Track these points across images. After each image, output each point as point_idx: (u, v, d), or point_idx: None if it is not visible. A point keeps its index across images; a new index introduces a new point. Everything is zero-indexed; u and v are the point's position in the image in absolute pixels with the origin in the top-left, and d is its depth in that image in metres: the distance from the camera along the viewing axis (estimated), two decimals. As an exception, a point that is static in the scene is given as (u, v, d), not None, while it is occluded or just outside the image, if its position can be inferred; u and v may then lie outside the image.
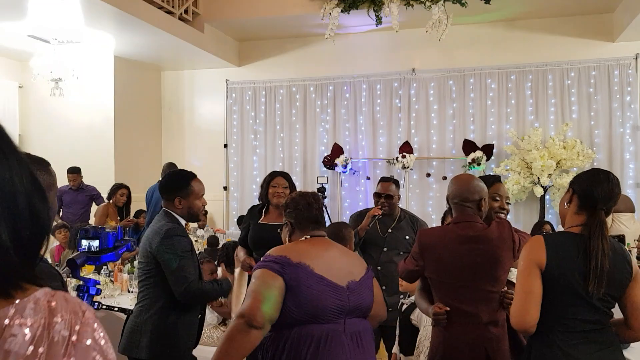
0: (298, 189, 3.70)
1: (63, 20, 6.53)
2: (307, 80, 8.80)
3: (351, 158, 8.50)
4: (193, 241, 4.45)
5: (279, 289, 2.17)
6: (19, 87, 8.48)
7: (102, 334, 0.88)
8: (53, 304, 0.85)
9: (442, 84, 8.35)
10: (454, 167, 8.19)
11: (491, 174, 7.67)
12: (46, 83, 7.16)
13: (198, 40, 7.93)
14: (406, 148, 8.19)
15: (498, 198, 2.99)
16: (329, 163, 8.51)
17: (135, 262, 4.66)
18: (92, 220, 7.46)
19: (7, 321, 0.82)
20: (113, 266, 5.16)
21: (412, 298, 3.38)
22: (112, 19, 6.76)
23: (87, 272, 4.73)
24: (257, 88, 9.03)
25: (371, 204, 4.50)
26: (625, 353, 2.84)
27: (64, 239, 6.23)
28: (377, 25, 7.44)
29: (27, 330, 0.81)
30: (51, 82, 7.07)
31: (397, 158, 8.14)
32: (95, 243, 2.37)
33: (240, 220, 6.95)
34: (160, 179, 6.77)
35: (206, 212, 8.23)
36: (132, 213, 7.37)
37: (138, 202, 7.44)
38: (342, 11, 7.29)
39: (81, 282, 2.35)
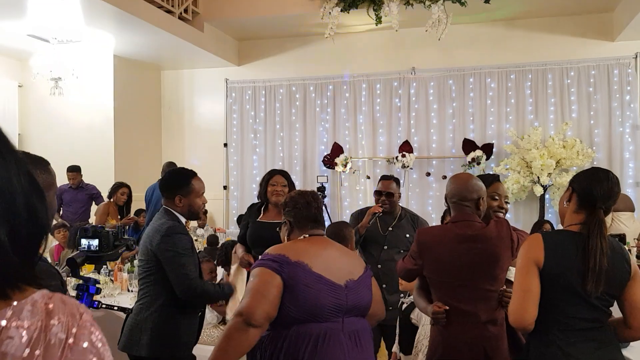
0: (297, 188, 3.71)
1: (63, 20, 6.53)
2: (306, 79, 8.80)
3: (351, 157, 8.51)
4: (193, 240, 4.45)
5: (277, 287, 2.18)
6: (19, 86, 8.48)
7: (99, 337, 0.87)
8: (50, 306, 0.85)
9: (441, 83, 8.35)
10: (453, 167, 8.19)
11: (490, 173, 7.70)
12: (46, 82, 7.16)
13: (198, 39, 7.93)
14: (406, 147, 8.19)
15: (497, 197, 3.00)
16: (329, 162, 8.52)
17: (135, 261, 4.67)
18: (92, 219, 7.46)
19: (4, 323, 0.81)
20: (113, 265, 5.16)
21: (412, 297, 3.38)
22: (112, 19, 6.76)
23: (87, 271, 4.73)
24: (256, 87, 9.03)
25: (371, 203, 4.51)
26: (625, 352, 2.85)
27: (63, 239, 6.23)
28: (376, 24, 7.43)
29: (23, 333, 0.81)
30: (51, 82, 7.07)
31: (397, 157, 8.15)
32: (94, 242, 2.37)
33: (240, 219, 6.96)
34: (160, 178, 6.79)
35: (206, 212, 8.24)
36: (132, 212, 7.37)
37: (138, 202, 7.44)
38: (341, 10, 7.29)
39: (81, 281, 2.36)
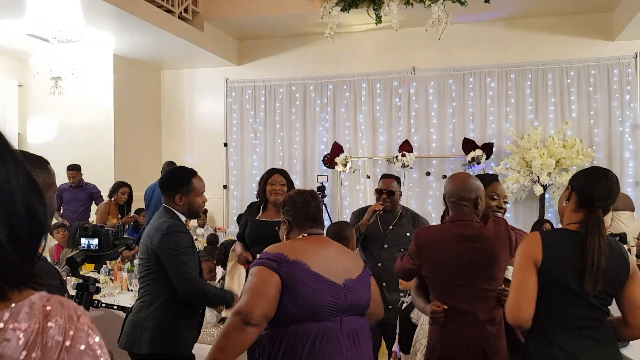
0: (297, 187, 3.71)
1: (62, 19, 6.53)
2: (306, 79, 8.80)
3: (351, 157, 8.51)
4: (193, 238, 4.45)
5: (275, 286, 2.18)
6: (19, 85, 8.48)
7: (97, 339, 0.87)
8: (48, 308, 0.85)
9: (441, 82, 8.35)
10: (453, 166, 8.20)
11: (490, 172, 7.71)
12: (46, 82, 7.16)
13: (198, 39, 7.93)
14: (406, 147, 8.19)
15: (496, 197, 3.00)
16: (329, 162, 8.52)
17: (135, 261, 4.67)
18: (92, 218, 7.46)
19: (1, 325, 0.81)
20: (113, 265, 5.16)
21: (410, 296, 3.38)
22: (112, 18, 6.76)
23: (87, 270, 4.74)
24: (256, 87, 9.03)
25: (371, 202, 4.51)
26: (625, 351, 2.85)
27: (62, 238, 6.23)
28: (376, 24, 7.43)
29: (20, 335, 0.81)
30: (51, 81, 7.07)
31: (396, 157, 8.15)
32: (94, 241, 2.38)
33: (240, 218, 6.97)
34: (160, 177, 6.79)
35: (206, 211, 8.25)
36: (133, 211, 7.37)
37: (138, 201, 7.44)
38: (341, 10, 7.29)
39: (81, 280, 2.36)
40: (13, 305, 0.84)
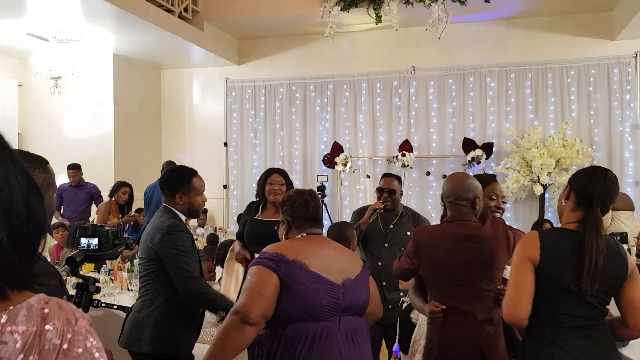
0: (298, 187, 3.71)
1: (62, 19, 6.53)
2: (306, 78, 8.80)
3: (351, 156, 8.51)
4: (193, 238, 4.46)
5: (274, 286, 2.17)
6: (19, 85, 8.48)
7: (94, 342, 0.87)
8: (46, 311, 0.85)
9: (441, 82, 8.35)
10: (453, 166, 8.19)
11: (490, 172, 7.71)
12: (45, 81, 7.16)
13: (198, 38, 7.93)
14: (406, 146, 8.19)
15: (494, 197, 3.00)
16: (329, 161, 8.52)
17: (135, 260, 4.67)
18: (93, 218, 7.45)
19: None
20: (113, 264, 5.16)
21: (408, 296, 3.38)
22: (112, 17, 6.75)
23: (87, 270, 4.74)
24: (256, 87, 9.03)
25: (371, 202, 4.51)
26: (625, 351, 2.85)
27: (62, 238, 6.23)
28: (376, 23, 7.43)
29: (18, 338, 0.81)
30: (51, 81, 7.07)
31: (396, 156, 8.15)
32: (94, 241, 2.37)
33: (240, 218, 6.97)
34: (160, 176, 6.78)
35: (206, 210, 8.25)
36: (133, 211, 7.37)
37: (139, 201, 7.45)
38: (341, 9, 7.29)
39: (81, 280, 2.35)
40: (11, 308, 0.84)
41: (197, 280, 2.94)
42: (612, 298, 2.28)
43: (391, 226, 4.14)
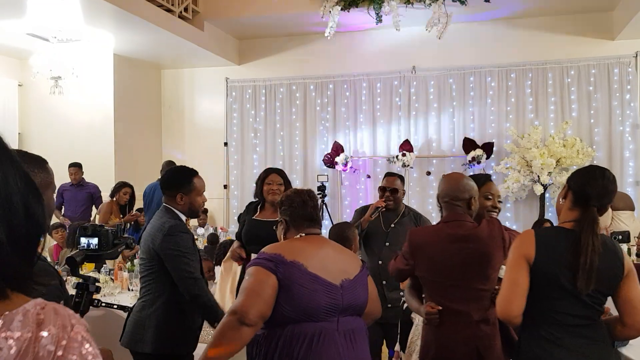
0: (299, 187, 3.71)
1: (62, 19, 6.52)
2: (307, 78, 8.80)
3: (351, 156, 8.51)
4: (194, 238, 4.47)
5: (272, 287, 2.17)
6: (19, 85, 8.48)
7: (90, 349, 0.86)
8: (41, 316, 0.84)
9: (442, 82, 8.35)
10: (454, 166, 8.19)
11: (490, 172, 7.71)
12: (46, 81, 7.15)
13: (198, 38, 7.93)
14: (406, 146, 8.19)
15: (490, 197, 3.01)
16: (329, 161, 8.52)
17: (135, 260, 4.67)
18: (93, 218, 7.45)
19: None
20: (113, 264, 5.16)
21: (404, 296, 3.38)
22: (112, 17, 6.76)
23: (88, 270, 4.74)
24: (257, 86, 9.03)
25: (371, 202, 4.51)
26: (624, 351, 2.85)
27: (61, 239, 6.24)
28: (377, 23, 7.43)
29: (13, 344, 0.80)
30: (51, 81, 7.06)
31: (397, 156, 8.14)
32: (94, 241, 2.37)
33: (240, 218, 6.97)
34: (160, 177, 6.78)
35: (206, 210, 8.25)
36: (134, 211, 7.37)
37: (140, 201, 7.44)
38: (342, 9, 7.29)
39: (81, 280, 2.35)
40: (7, 313, 0.83)
41: (197, 281, 2.95)
42: (611, 298, 2.28)
43: (392, 225, 4.14)
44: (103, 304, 2.58)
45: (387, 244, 4.10)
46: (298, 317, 2.19)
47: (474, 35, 8.15)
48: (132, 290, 4.61)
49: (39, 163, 1.74)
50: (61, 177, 7.39)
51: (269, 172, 4.01)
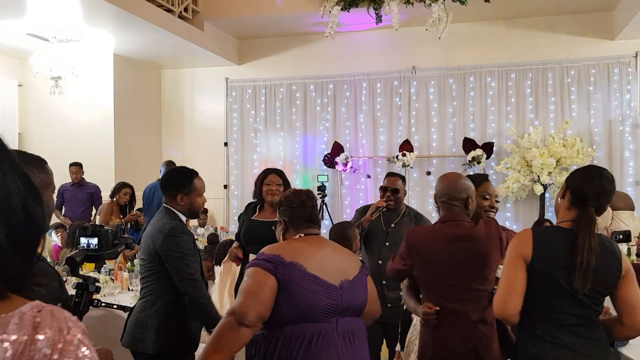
0: (298, 187, 3.71)
1: (62, 19, 6.52)
2: (307, 78, 8.80)
3: (351, 156, 8.51)
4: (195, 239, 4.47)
5: (271, 288, 2.16)
6: (19, 85, 8.48)
7: (86, 353, 0.86)
8: (38, 319, 0.84)
9: (442, 82, 8.35)
10: (454, 165, 8.20)
11: (490, 172, 7.71)
12: (46, 81, 7.15)
13: (198, 38, 7.93)
14: (406, 146, 8.19)
15: (487, 197, 3.01)
16: (329, 161, 8.52)
17: (135, 260, 4.67)
18: (95, 219, 7.45)
19: None
20: (113, 264, 5.16)
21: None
22: (112, 17, 6.76)
23: (88, 270, 4.74)
24: (257, 86, 9.03)
25: (371, 202, 4.51)
26: (624, 350, 2.86)
27: (61, 239, 6.23)
28: (377, 23, 7.42)
29: (8, 347, 0.80)
30: (51, 81, 7.06)
31: (397, 156, 8.15)
32: (94, 241, 2.37)
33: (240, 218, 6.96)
34: (160, 177, 6.78)
35: (206, 210, 8.25)
36: (135, 210, 7.37)
37: (140, 201, 7.44)
38: (341, 9, 7.28)
39: (81, 280, 2.35)
40: (2, 315, 0.83)
41: (197, 283, 2.96)
42: (609, 297, 2.28)
43: (393, 225, 4.15)
44: (103, 304, 2.58)
45: (388, 244, 4.10)
46: (297, 317, 2.18)
47: (474, 35, 8.15)
48: (132, 290, 4.61)
49: (38, 163, 1.74)
50: (61, 177, 7.39)
51: (267, 172, 4.01)
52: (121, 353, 3.06)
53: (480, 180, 3.03)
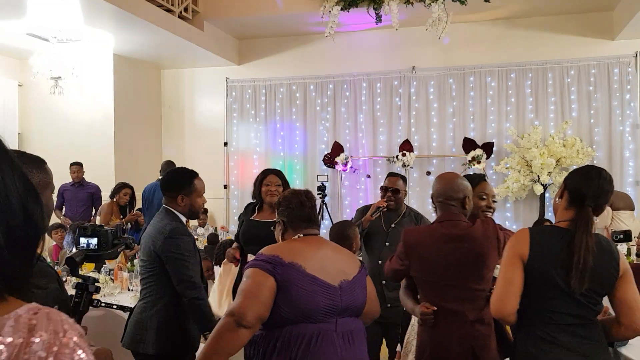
0: (299, 188, 3.71)
1: (62, 19, 6.52)
2: (307, 78, 8.80)
3: (351, 156, 8.51)
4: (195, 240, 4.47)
5: (270, 289, 2.16)
6: (19, 85, 8.48)
7: (82, 355, 0.85)
8: (33, 322, 0.83)
9: (442, 82, 8.35)
10: (454, 165, 8.20)
11: (490, 172, 7.71)
12: (46, 81, 7.15)
13: (198, 38, 7.93)
14: (406, 146, 8.19)
15: (485, 197, 3.01)
16: (329, 161, 8.52)
17: (135, 261, 4.67)
18: (95, 219, 7.45)
19: None
20: (113, 264, 5.16)
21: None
22: (112, 17, 6.75)
23: (88, 270, 4.74)
24: (257, 86, 9.03)
25: (371, 202, 4.51)
26: (624, 350, 2.86)
27: (60, 239, 6.23)
28: (377, 23, 7.42)
29: (3, 349, 0.80)
30: (51, 81, 7.06)
31: (397, 156, 8.15)
32: (93, 241, 2.37)
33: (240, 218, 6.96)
34: (160, 177, 6.78)
35: (206, 211, 8.25)
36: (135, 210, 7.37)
37: (140, 202, 7.44)
38: (341, 9, 7.28)
39: (80, 280, 2.35)
40: None
41: (196, 285, 2.95)
42: (607, 297, 2.28)
43: (393, 225, 4.15)
44: (103, 304, 2.58)
45: (388, 244, 4.10)
46: (296, 318, 2.18)
47: (474, 35, 8.15)
48: (132, 290, 4.60)
49: (38, 163, 1.74)
50: (61, 177, 7.39)
51: (266, 173, 4.01)
52: (121, 353, 3.06)
53: (478, 180, 3.04)
